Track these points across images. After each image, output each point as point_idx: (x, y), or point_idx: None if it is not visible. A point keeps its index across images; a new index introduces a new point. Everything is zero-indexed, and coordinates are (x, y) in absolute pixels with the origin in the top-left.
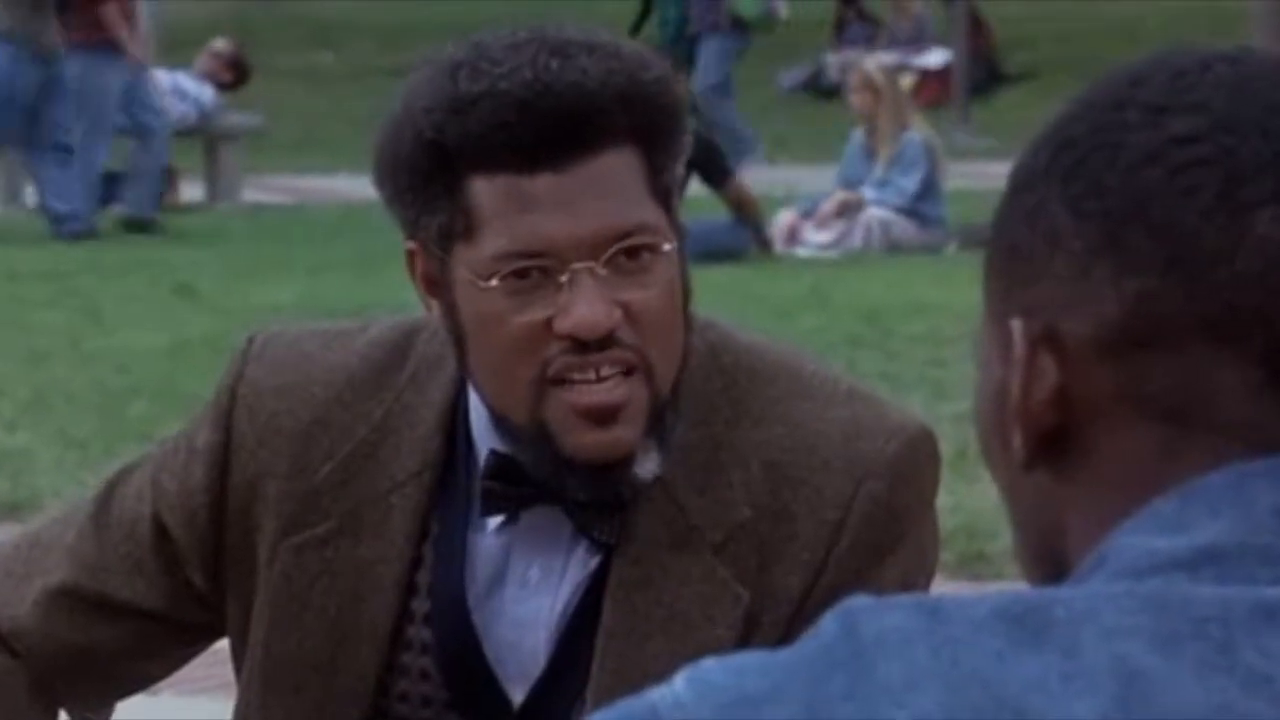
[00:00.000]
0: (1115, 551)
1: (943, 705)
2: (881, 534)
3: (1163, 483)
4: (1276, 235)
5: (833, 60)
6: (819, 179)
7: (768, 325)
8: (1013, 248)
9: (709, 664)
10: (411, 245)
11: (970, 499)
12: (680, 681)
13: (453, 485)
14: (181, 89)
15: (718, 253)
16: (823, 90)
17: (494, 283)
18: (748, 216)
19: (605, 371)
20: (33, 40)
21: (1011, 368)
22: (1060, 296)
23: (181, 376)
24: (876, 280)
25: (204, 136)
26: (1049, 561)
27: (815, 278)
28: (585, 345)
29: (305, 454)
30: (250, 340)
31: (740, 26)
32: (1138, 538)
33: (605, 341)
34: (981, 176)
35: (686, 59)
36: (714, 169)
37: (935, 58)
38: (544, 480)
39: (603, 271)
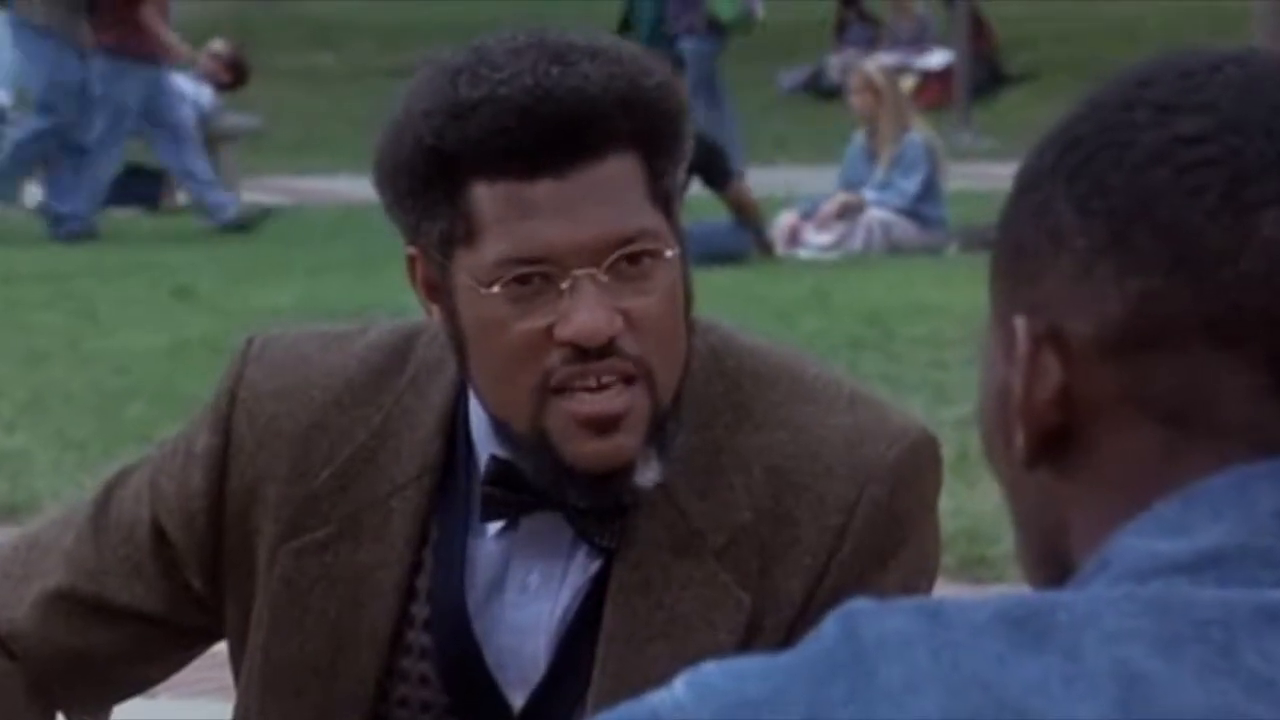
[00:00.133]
0: (1117, 554)
1: (944, 708)
2: (883, 538)
3: (1165, 484)
4: None
5: (834, 61)
6: (820, 180)
7: (768, 327)
8: (1018, 246)
9: (709, 668)
10: (412, 251)
11: (972, 502)
12: (681, 685)
13: (452, 490)
14: (180, 90)
15: (718, 255)
16: (823, 91)
17: (495, 289)
18: (748, 219)
19: (606, 380)
20: (71, 36)
21: (1014, 366)
22: (1064, 295)
23: (180, 378)
24: (878, 282)
25: (203, 137)
26: (1051, 561)
27: (816, 279)
28: (586, 353)
29: (304, 458)
30: (249, 343)
31: (717, 29)
32: (1140, 540)
33: (606, 350)
34: (983, 178)
35: (675, 61)
36: (715, 171)
37: (936, 59)
38: (544, 487)
39: (604, 278)
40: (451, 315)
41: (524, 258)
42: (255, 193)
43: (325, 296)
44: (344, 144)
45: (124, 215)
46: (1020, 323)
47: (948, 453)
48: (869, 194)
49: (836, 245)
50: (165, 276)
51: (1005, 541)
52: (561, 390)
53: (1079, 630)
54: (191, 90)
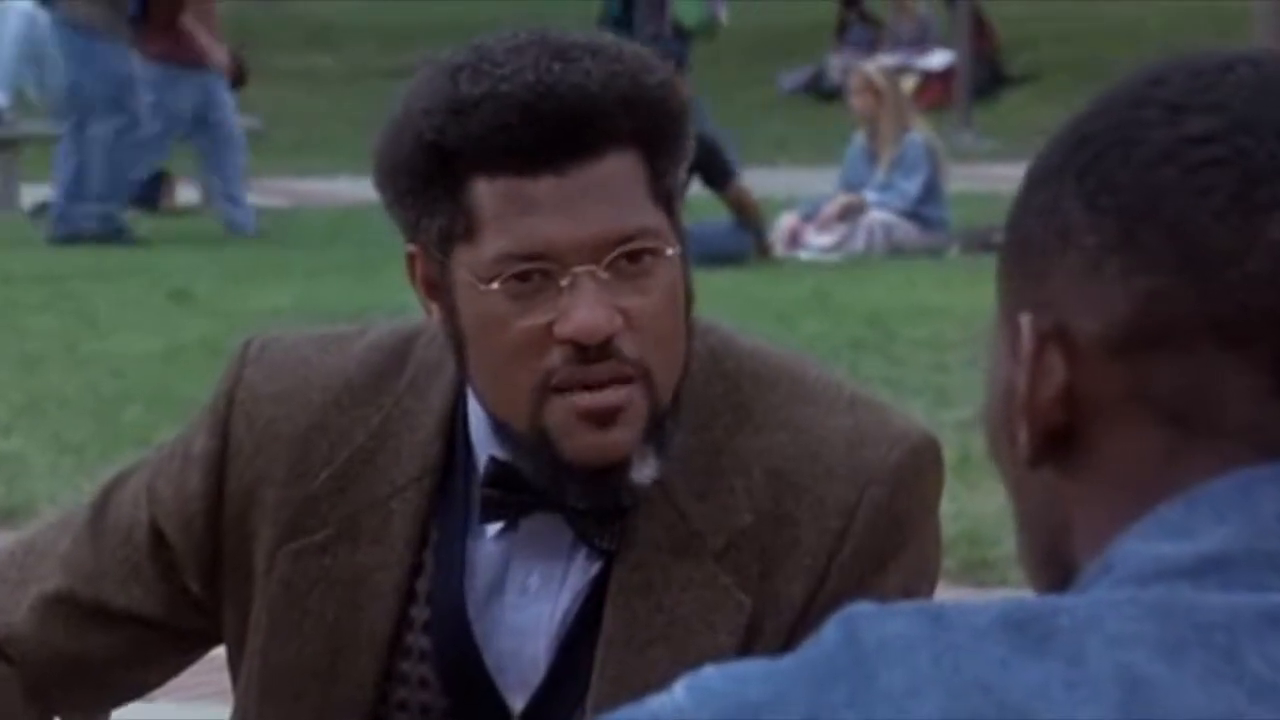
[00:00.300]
0: (1120, 558)
1: (945, 712)
2: (884, 541)
3: (1168, 485)
4: None
5: (834, 62)
6: (820, 181)
7: (769, 329)
8: (1025, 243)
9: (710, 671)
10: (412, 248)
11: (973, 505)
12: (681, 689)
13: (452, 491)
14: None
15: (719, 256)
16: (824, 92)
17: (494, 285)
18: (748, 220)
19: (604, 378)
20: (118, 36)
21: (1019, 365)
22: (1070, 293)
23: (177, 381)
24: (879, 284)
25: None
26: (1054, 561)
27: (817, 281)
28: (585, 352)
29: (303, 460)
30: (247, 345)
31: (682, 34)
32: (1143, 544)
33: (605, 351)
34: (984, 179)
35: (677, 61)
36: (715, 171)
37: (937, 59)
38: (543, 487)
39: (604, 275)
40: (451, 313)
41: (524, 254)
42: (254, 194)
43: (324, 298)
44: (343, 145)
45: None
46: (1026, 320)
47: (949, 455)
48: (870, 195)
49: (837, 247)
50: (163, 278)
51: (1007, 544)
52: (561, 390)
53: (1081, 634)
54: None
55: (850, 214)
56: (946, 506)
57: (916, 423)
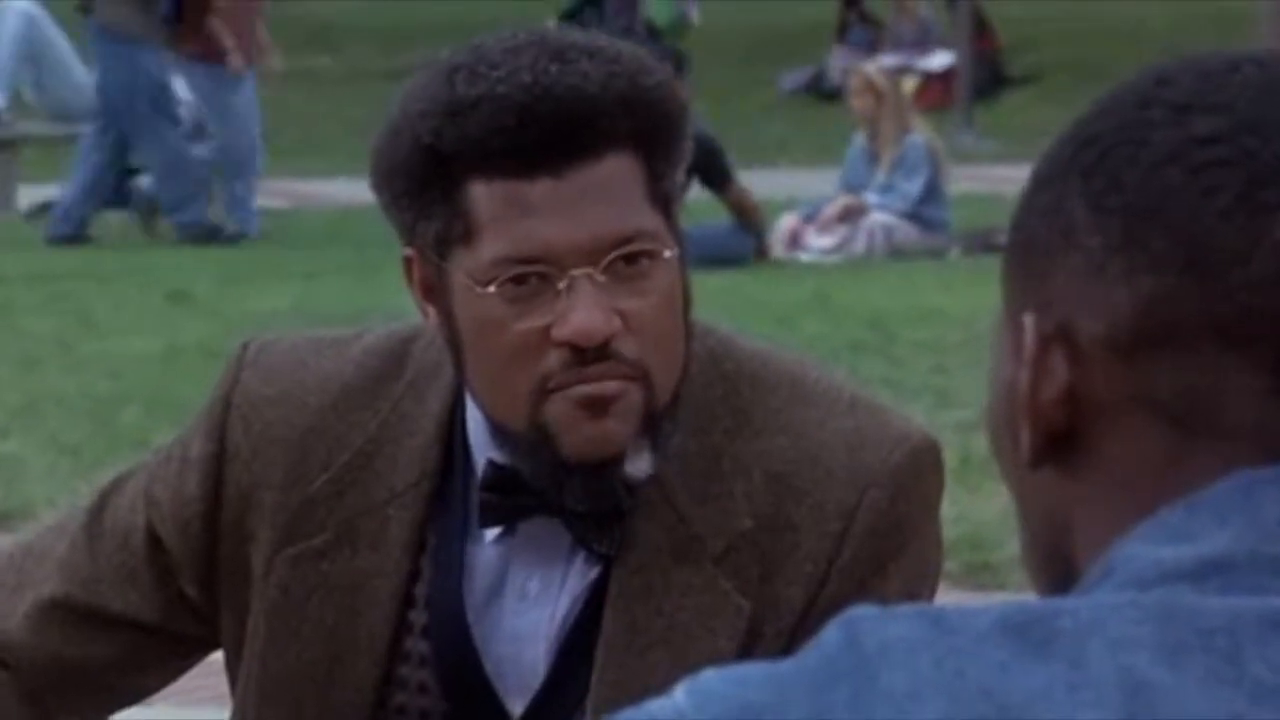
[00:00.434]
0: (1121, 561)
1: (946, 716)
2: (884, 544)
3: (1170, 486)
4: None
5: (835, 63)
6: (821, 183)
7: (769, 331)
8: (1030, 243)
9: (710, 675)
10: (409, 251)
11: (974, 508)
12: (681, 693)
13: (450, 496)
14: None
15: (719, 258)
16: (824, 93)
17: (492, 289)
18: (749, 222)
19: (602, 378)
20: (151, 41)
21: (1022, 365)
22: (1074, 293)
23: (175, 383)
24: (879, 286)
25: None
26: (1056, 562)
27: (818, 283)
28: (583, 354)
29: (300, 464)
30: (244, 348)
31: (654, 35)
32: (1144, 547)
33: (603, 353)
34: (986, 180)
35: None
36: (715, 172)
37: (938, 60)
38: (542, 489)
39: (602, 278)
40: (448, 316)
41: (521, 257)
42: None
43: (322, 300)
44: (341, 147)
45: (119, 218)
46: (1029, 320)
47: (950, 458)
48: (871, 197)
49: (838, 248)
50: (160, 280)
51: (1008, 548)
52: (558, 390)
53: (1083, 638)
54: (185, 93)
55: (851, 215)
56: (947, 510)
57: (917, 425)
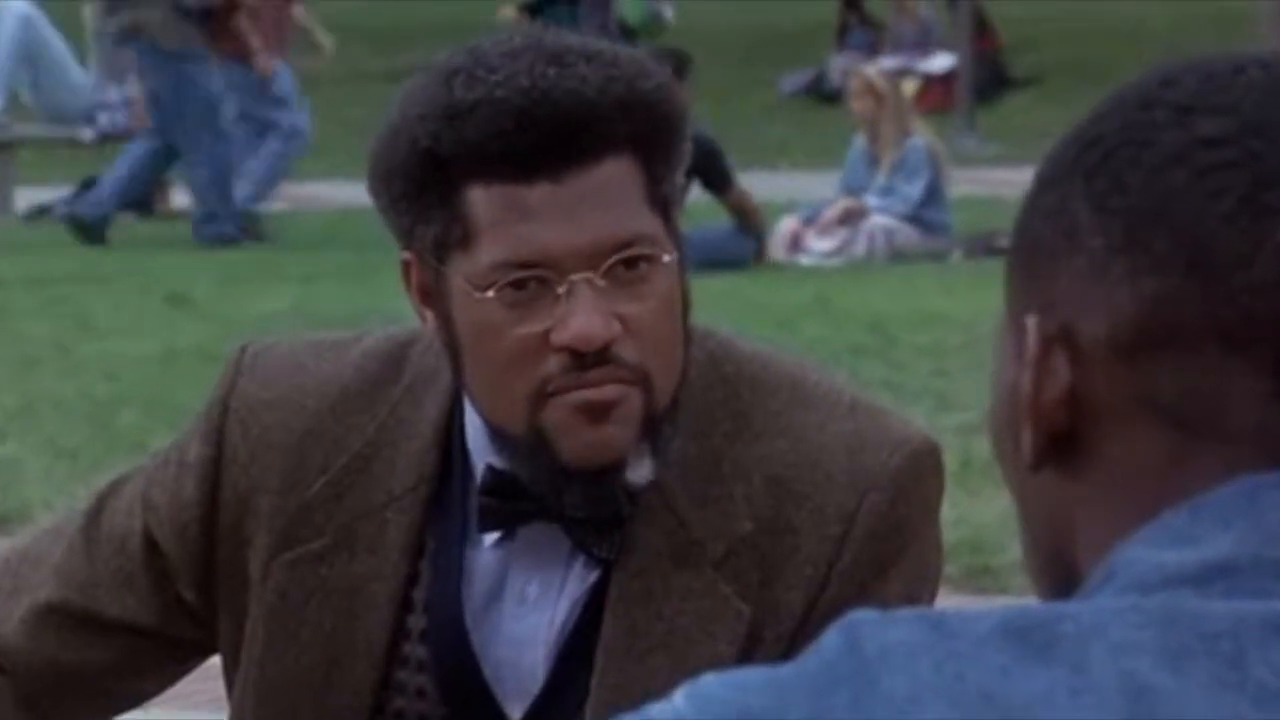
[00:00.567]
0: (1123, 565)
1: None
2: (884, 547)
3: (1172, 488)
4: None
5: (835, 64)
6: (821, 185)
7: (770, 334)
8: (1033, 244)
9: (710, 679)
10: (407, 256)
11: (975, 512)
12: (681, 697)
13: (448, 500)
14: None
15: (719, 261)
16: (825, 95)
17: (490, 293)
18: (749, 224)
19: (602, 382)
20: (198, 53)
21: (1024, 366)
22: (1077, 295)
23: (173, 386)
24: (880, 289)
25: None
26: (1057, 564)
27: (818, 286)
28: (583, 359)
29: (298, 468)
30: (242, 351)
31: (627, 34)
32: (1146, 551)
33: (603, 357)
34: (987, 183)
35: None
36: (715, 175)
37: (939, 62)
38: (541, 494)
39: (601, 282)
40: (446, 321)
41: (520, 262)
42: None
43: (320, 303)
44: (339, 148)
45: (117, 220)
46: (1032, 322)
47: (951, 461)
48: (872, 200)
49: (839, 251)
50: (158, 282)
51: (1009, 552)
52: (557, 394)
53: (1085, 642)
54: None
55: (851, 218)
56: (948, 513)
57: (917, 428)
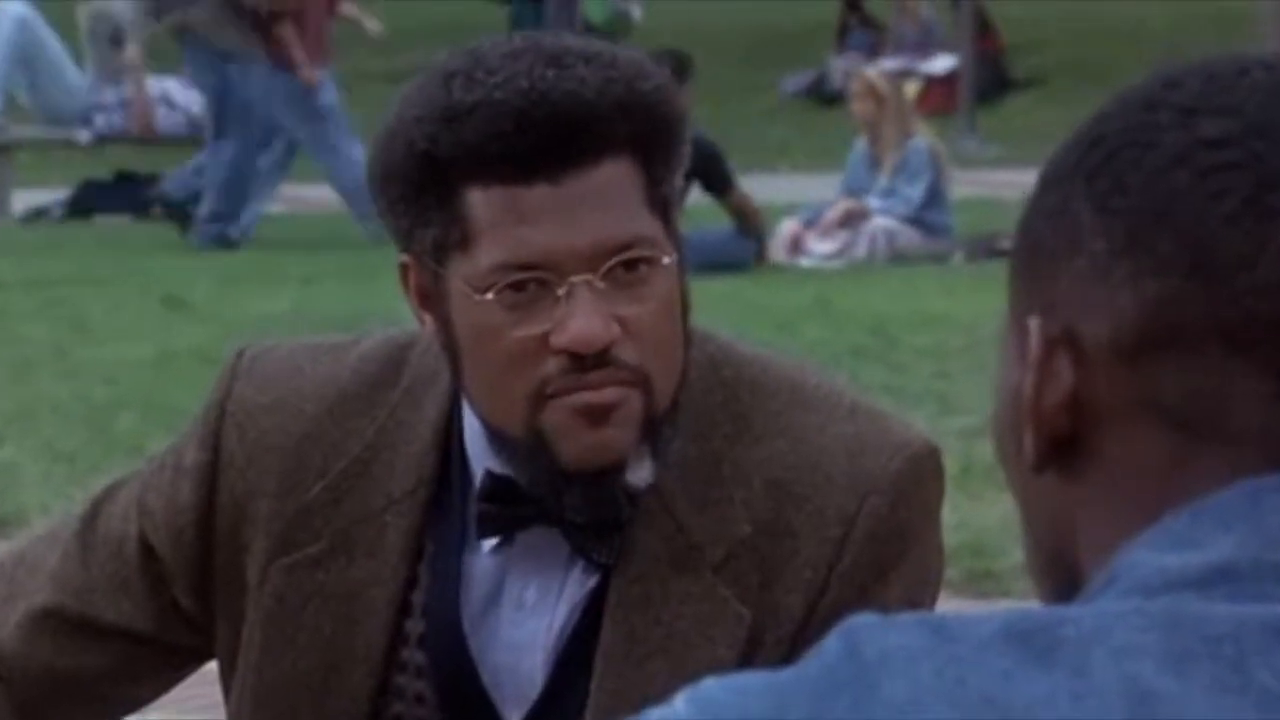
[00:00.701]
0: (1126, 568)
1: None
2: (885, 551)
3: (1174, 491)
4: None
5: (836, 66)
6: (822, 187)
7: (770, 337)
8: (1036, 245)
9: (711, 683)
10: (405, 258)
11: (976, 515)
12: (682, 701)
13: (447, 504)
14: (170, 97)
15: (720, 263)
16: (825, 97)
17: (489, 296)
18: (750, 227)
19: (602, 384)
20: (245, 54)
21: (1027, 369)
22: (1080, 296)
23: (171, 389)
24: (881, 291)
25: (194, 145)
26: (1059, 566)
27: (819, 288)
28: (583, 361)
29: (296, 471)
30: (239, 355)
31: (591, 33)
32: (1148, 554)
33: (603, 359)
34: (988, 184)
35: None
36: (716, 177)
37: (941, 63)
38: (540, 498)
39: (600, 284)
40: (445, 324)
41: (519, 264)
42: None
43: (319, 305)
44: None
45: (114, 222)
46: (1034, 324)
47: (952, 465)
48: (873, 201)
49: (840, 253)
50: (155, 285)
51: (1010, 556)
52: (557, 396)
53: (1087, 646)
54: (182, 97)
55: (852, 220)
56: (949, 517)
57: (917, 431)
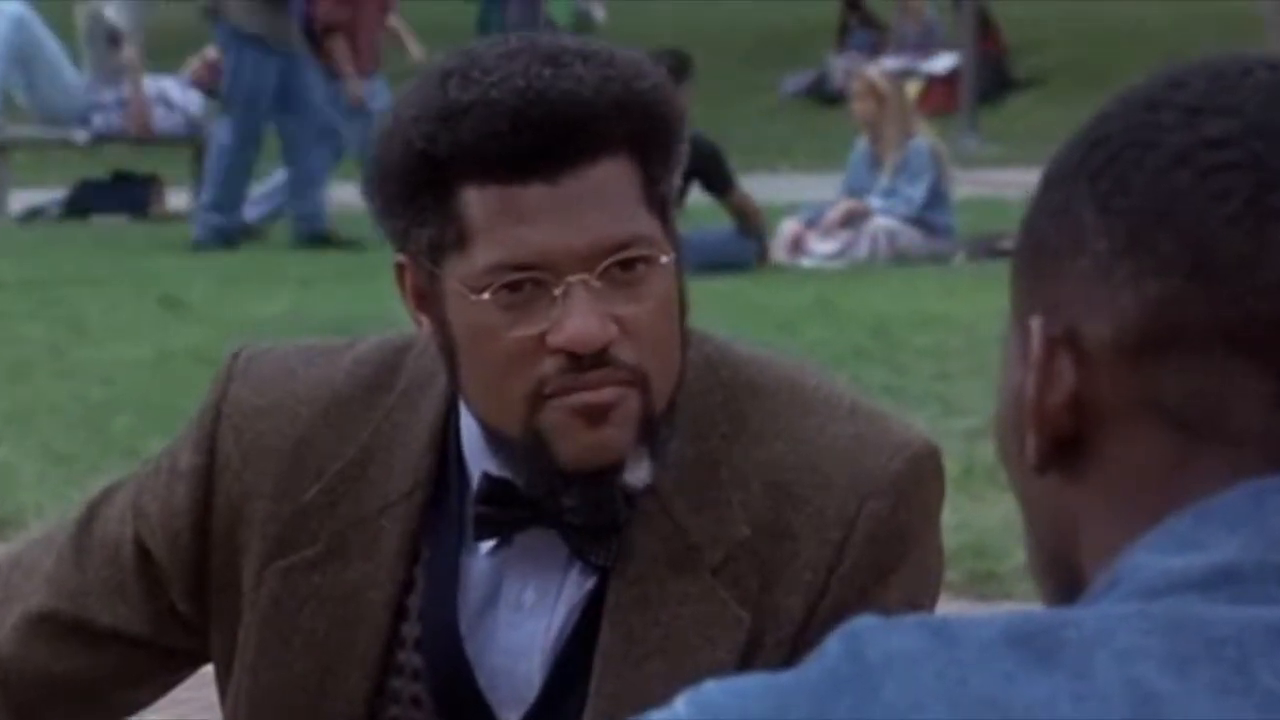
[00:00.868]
0: (1127, 571)
1: None
2: (885, 553)
3: (1176, 492)
4: None
5: (837, 65)
6: (823, 187)
7: (771, 337)
8: (1038, 245)
9: (710, 686)
10: (401, 258)
11: (978, 517)
12: (682, 704)
13: (444, 506)
14: (168, 97)
15: (720, 263)
16: (826, 96)
17: (486, 296)
18: (751, 227)
19: (599, 384)
20: (277, 42)
21: (1029, 369)
22: (1082, 296)
23: (168, 390)
24: (882, 291)
25: (191, 145)
26: (1060, 567)
27: (820, 288)
28: (580, 361)
29: (292, 474)
30: (235, 357)
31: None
32: (1151, 556)
33: (600, 359)
34: (990, 184)
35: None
36: (716, 177)
37: (942, 63)
38: (538, 499)
39: (597, 284)
40: (442, 324)
41: (516, 264)
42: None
43: (317, 306)
44: None
45: (111, 222)
46: (1036, 324)
47: (953, 466)
48: (874, 201)
49: (841, 254)
50: (153, 285)
51: (1012, 557)
52: (555, 396)
53: (1089, 648)
54: (180, 97)
55: (853, 220)
56: (950, 518)
57: (917, 431)
